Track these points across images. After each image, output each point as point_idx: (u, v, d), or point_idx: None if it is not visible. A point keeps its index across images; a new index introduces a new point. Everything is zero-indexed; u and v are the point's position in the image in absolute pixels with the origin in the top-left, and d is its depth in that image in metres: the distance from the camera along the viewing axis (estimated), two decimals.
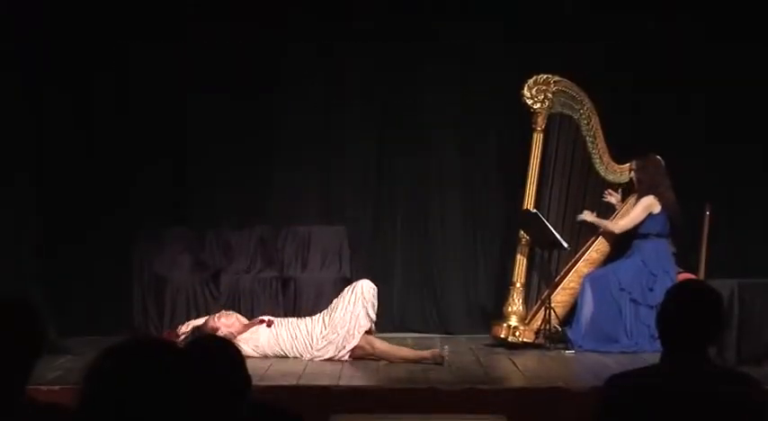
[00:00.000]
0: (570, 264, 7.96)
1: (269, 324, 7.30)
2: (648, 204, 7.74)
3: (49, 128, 8.19)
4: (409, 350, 7.02)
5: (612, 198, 8.05)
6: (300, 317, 7.44)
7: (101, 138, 8.30)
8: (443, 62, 8.55)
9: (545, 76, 7.78)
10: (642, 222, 7.74)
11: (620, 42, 8.24)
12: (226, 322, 7.30)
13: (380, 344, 7.03)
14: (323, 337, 7.05)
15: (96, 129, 8.30)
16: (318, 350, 7.04)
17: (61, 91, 8.18)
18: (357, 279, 7.49)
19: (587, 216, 7.94)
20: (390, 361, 6.91)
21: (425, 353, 6.86)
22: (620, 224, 7.86)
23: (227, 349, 2.64)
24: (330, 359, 7.00)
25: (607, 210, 8.10)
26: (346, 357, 7.01)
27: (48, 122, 8.18)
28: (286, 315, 8.02)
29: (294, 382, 6.19)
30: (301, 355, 7.06)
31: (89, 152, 8.29)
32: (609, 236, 7.95)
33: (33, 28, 7.95)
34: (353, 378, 6.45)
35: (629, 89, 8.28)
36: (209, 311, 7.93)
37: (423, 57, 8.54)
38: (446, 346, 6.92)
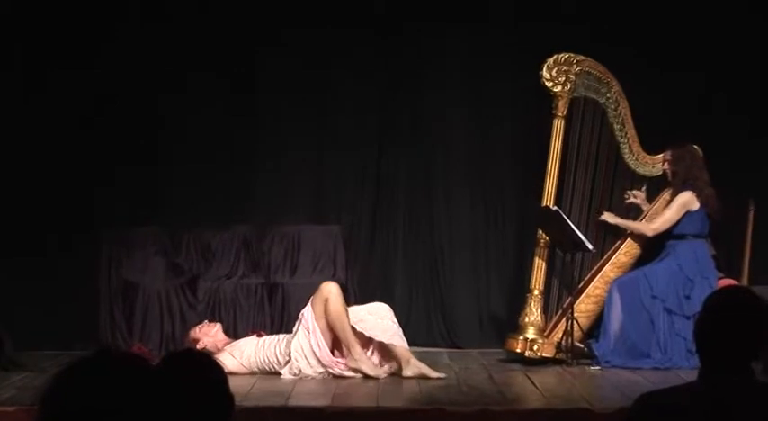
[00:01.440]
0: (596, 268, 7.97)
1: (259, 334, 7.34)
2: (686, 201, 7.73)
3: (9, 123, 8.26)
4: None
5: (637, 198, 8.02)
6: (290, 329, 7.43)
7: (67, 132, 8.34)
8: (449, 41, 8.57)
9: (567, 55, 7.78)
10: (677, 221, 7.73)
11: (650, 21, 8.25)
12: (209, 333, 7.34)
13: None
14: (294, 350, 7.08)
15: (62, 124, 8.34)
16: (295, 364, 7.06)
17: (27, 86, 8.28)
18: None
19: (609, 217, 7.92)
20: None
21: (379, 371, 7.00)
22: (654, 226, 7.85)
23: (207, 365, 2.64)
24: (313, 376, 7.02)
25: (629, 210, 8.08)
26: (339, 370, 7.02)
27: (7, 117, 8.25)
28: (273, 325, 8.04)
29: (282, 402, 6.19)
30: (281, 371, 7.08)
31: (52, 145, 8.32)
32: (640, 237, 7.95)
33: None
34: (350, 397, 6.46)
35: (660, 70, 8.29)
36: (185, 322, 7.94)
37: (425, 36, 8.56)
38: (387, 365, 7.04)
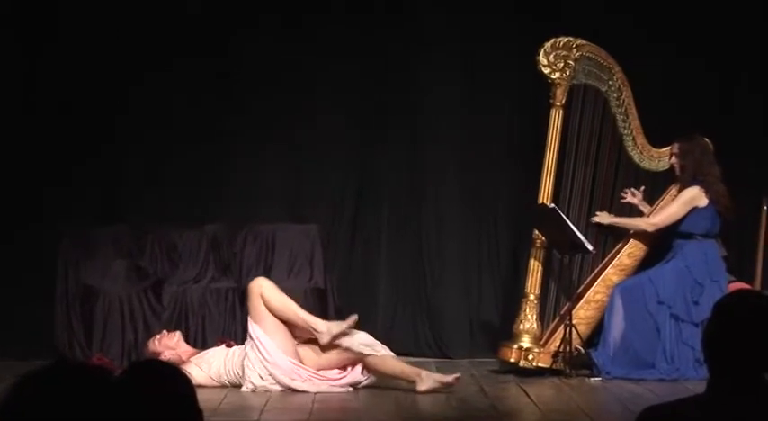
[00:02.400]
0: (596, 271, 7.99)
1: (228, 344, 7.32)
2: (692, 196, 7.75)
3: None
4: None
5: (634, 198, 8.01)
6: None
7: (21, 123, 8.32)
8: (439, 25, 8.59)
9: (566, 40, 7.80)
10: (684, 218, 7.75)
11: (656, 4, 8.29)
12: (169, 344, 7.29)
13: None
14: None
15: (18, 114, 8.33)
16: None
17: None
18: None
19: (604, 217, 7.93)
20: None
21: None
22: (655, 221, 7.86)
23: (172, 376, 2.63)
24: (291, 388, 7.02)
25: (630, 212, 8.09)
26: (302, 379, 7.00)
27: None
28: (245, 334, 8.04)
29: (255, 418, 6.19)
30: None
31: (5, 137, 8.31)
32: (644, 237, 7.97)
33: None
34: (328, 412, 6.47)
35: (668, 57, 8.32)
36: (148, 330, 7.93)
37: (414, 21, 8.58)
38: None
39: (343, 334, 7.04)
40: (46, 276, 8.15)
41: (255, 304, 7.09)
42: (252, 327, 7.07)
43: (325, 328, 7.03)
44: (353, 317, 7.12)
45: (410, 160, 8.69)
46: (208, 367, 7.17)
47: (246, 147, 8.62)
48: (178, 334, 7.45)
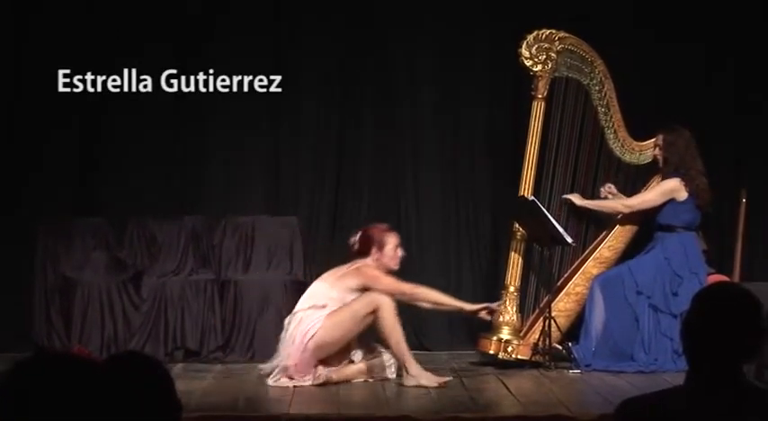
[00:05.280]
0: (576, 264, 8.01)
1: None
2: (671, 188, 7.76)
3: None
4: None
5: (609, 193, 8.01)
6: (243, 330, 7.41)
7: None
8: (418, 14, 8.59)
9: (548, 32, 7.81)
10: (665, 211, 7.77)
11: None
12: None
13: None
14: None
15: None
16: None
17: None
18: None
19: (575, 198, 7.94)
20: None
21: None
22: (631, 202, 7.87)
23: (152, 369, 2.64)
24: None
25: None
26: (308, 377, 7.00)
27: None
28: (224, 326, 8.04)
29: (231, 412, 6.19)
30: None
31: None
32: (625, 230, 7.99)
33: None
34: (309, 404, 6.47)
35: (648, 48, 8.34)
36: (128, 322, 7.92)
37: (390, 10, 8.57)
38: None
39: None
40: (24, 267, 8.13)
41: (357, 308, 6.95)
42: (323, 315, 6.96)
43: (416, 373, 6.92)
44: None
45: (390, 152, 8.69)
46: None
47: (225, 140, 8.59)
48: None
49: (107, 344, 7.95)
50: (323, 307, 6.99)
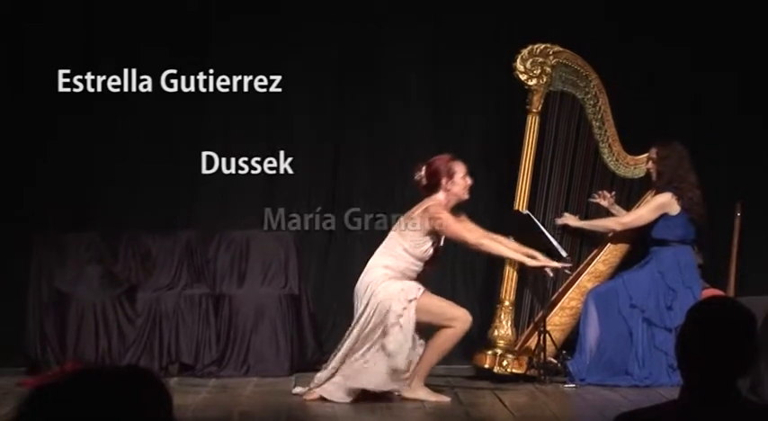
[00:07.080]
0: (571, 278, 8.02)
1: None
2: (663, 203, 7.77)
3: None
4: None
5: (604, 201, 8.04)
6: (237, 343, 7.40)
7: None
8: (412, 28, 8.62)
9: (543, 46, 7.84)
10: (659, 225, 7.79)
11: (633, 4, 8.36)
12: None
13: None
14: None
15: None
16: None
17: None
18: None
19: (570, 219, 7.97)
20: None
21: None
22: (625, 220, 7.89)
23: (151, 385, 2.64)
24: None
25: (606, 215, 8.12)
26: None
27: None
28: (219, 341, 8.04)
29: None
30: None
31: None
32: (619, 244, 8.01)
33: None
34: (302, 417, 6.47)
35: (644, 61, 8.38)
36: (122, 336, 7.92)
37: (386, 23, 8.60)
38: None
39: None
40: (18, 282, 8.12)
41: (449, 310, 6.99)
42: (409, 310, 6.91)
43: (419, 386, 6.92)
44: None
45: (384, 167, 8.70)
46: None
47: (220, 153, 8.59)
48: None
49: (102, 359, 7.94)
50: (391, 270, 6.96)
